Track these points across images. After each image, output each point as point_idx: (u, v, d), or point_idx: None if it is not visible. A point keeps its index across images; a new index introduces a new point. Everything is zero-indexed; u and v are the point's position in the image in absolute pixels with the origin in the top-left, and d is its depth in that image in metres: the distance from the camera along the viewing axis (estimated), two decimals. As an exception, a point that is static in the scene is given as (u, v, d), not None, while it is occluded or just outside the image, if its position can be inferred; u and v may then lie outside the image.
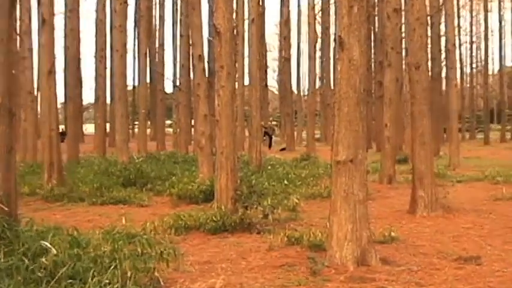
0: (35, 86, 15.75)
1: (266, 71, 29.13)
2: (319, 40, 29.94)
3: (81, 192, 8.03)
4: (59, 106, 14.46)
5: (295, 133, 27.94)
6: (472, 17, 33.98)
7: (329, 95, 27.85)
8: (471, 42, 35.32)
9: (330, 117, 26.21)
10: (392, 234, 5.00)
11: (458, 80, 27.21)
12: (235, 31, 6.32)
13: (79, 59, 17.21)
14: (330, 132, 24.91)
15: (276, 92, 50.26)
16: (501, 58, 31.72)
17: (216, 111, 6.45)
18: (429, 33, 15.56)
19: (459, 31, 30.00)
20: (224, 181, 6.22)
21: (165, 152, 15.99)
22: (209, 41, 15.16)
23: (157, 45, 24.09)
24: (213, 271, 3.96)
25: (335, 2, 23.65)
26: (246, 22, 18.05)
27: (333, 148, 4.17)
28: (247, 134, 19.13)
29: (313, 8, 19.12)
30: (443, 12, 16.10)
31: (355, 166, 4.07)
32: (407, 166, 11.66)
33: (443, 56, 21.36)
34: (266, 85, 28.66)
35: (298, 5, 31.77)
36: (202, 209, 6.15)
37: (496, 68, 37.21)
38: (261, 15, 20.94)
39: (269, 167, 11.26)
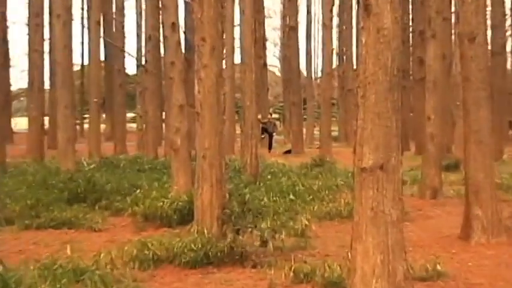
0: None
1: (264, 45, 29.17)
2: (336, 2, 30.05)
3: (9, 211, 7.99)
4: (-22, 93, 14.39)
5: (304, 130, 28.00)
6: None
7: (350, 78, 28.01)
8: (545, 5, 35.43)
9: (351, 108, 26.34)
10: (438, 268, 5.02)
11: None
12: (221, -10, 6.34)
13: (5, 28, 17.13)
14: (352, 128, 24.89)
15: (278, 74, 50.27)
16: None
17: (196, 100, 6.46)
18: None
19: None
20: (207, 196, 6.22)
21: (126, 156, 15.98)
22: (186, 4, 15.17)
23: (114, 9, 24.09)
24: (192, 319, 3.96)
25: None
26: (237, -23, 18.07)
27: (356, 150, 4.18)
28: (238, 131, 19.14)
29: (329, -42, 19.16)
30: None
31: (387, 175, 4.08)
32: (459, 174, 11.68)
33: (508, 22, 21.45)
34: (265, 64, 28.69)
35: (309, -46, 31.76)
36: (177, 234, 6.15)
37: None
38: (258, -32, 20.95)
39: (269, 176, 11.27)
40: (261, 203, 7.68)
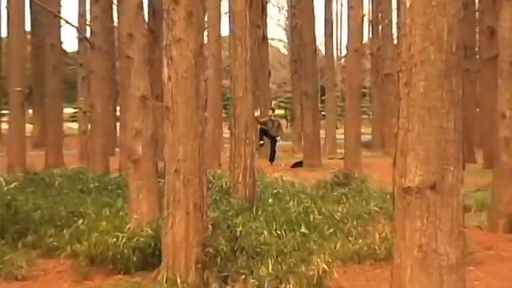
0: None
1: (264, 10, 29.27)
2: None
3: None
4: None
5: (323, 132, 28.02)
6: None
7: (389, 57, 28.08)
8: None
9: (390, 101, 26.40)
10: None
11: None
12: None
13: None
14: (391, 130, 24.82)
15: (285, 51, 50.36)
16: None
17: (166, 90, 6.46)
18: None
19: None
20: (181, 228, 6.23)
21: (63, 171, 15.93)
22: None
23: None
24: None
25: None
26: None
27: (397, 162, 4.19)
28: (227, 134, 19.10)
29: None
30: None
31: (442, 197, 4.10)
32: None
33: None
34: (265, 37, 28.77)
35: None
36: (138, 284, 6.14)
37: None
38: None
39: (270, 200, 11.25)
40: (259, 239, 7.67)
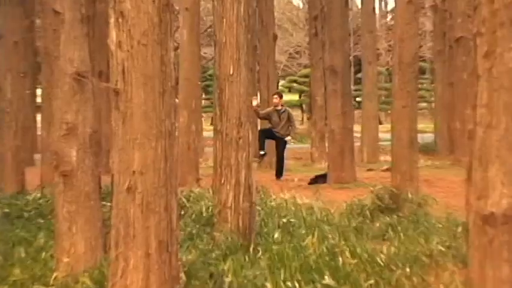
0: None
1: None
2: None
3: None
4: None
5: (358, 129, 28.03)
6: None
7: (460, 13, 28.15)
8: None
9: (462, 82, 26.44)
10: None
11: None
12: None
13: None
14: (464, 125, 24.97)
15: (300, 4, 50.46)
16: None
17: (114, 64, 6.47)
18: None
19: None
20: (138, 277, 6.26)
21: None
22: None
23: None
24: None
25: None
26: None
27: (473, 175, 4.21)
28: (209, 132, 19.09)
29: None
30: None
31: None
32: None
33: None
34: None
35: None
36: None
37: None
38: None
39: (276, 235, 11.31)
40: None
